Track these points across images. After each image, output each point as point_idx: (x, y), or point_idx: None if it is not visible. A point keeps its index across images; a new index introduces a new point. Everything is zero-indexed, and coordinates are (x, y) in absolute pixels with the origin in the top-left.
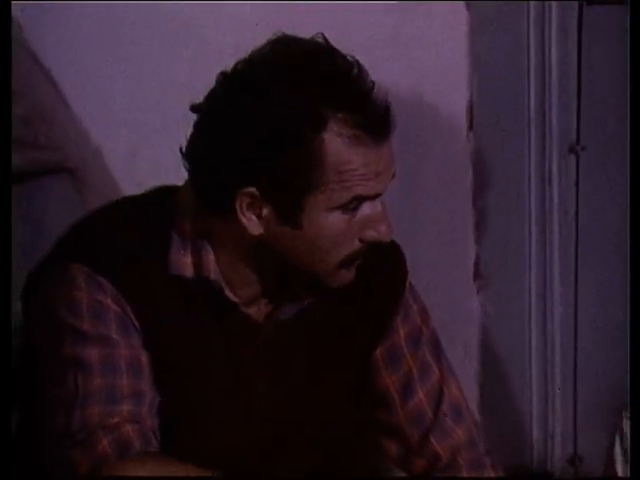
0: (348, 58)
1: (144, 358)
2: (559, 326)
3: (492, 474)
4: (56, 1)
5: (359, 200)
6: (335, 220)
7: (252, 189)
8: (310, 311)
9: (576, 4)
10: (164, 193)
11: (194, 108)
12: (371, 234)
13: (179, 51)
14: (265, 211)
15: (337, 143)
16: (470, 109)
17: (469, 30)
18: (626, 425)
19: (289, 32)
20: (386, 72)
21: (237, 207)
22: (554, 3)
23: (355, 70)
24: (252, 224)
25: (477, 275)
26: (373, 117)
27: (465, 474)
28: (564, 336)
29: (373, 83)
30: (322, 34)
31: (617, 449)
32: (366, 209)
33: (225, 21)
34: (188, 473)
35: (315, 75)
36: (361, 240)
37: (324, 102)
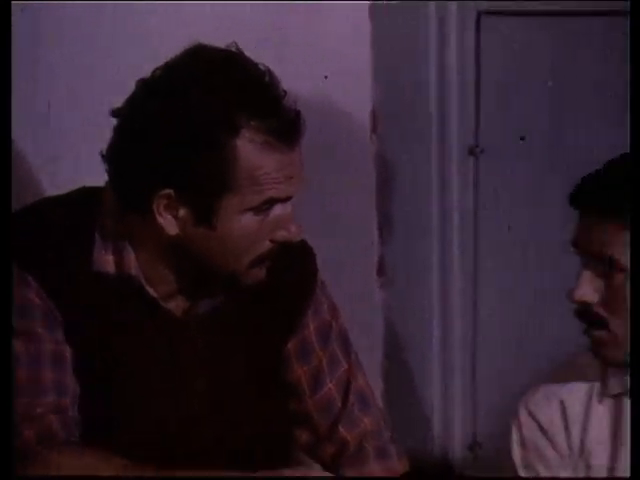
0: (260, 67)
1: (67, 352)
2: (459, 320)
3: (396, 461)
4: (56, 1)
5: (271, 202)
6: (248, 221)
7: (169, 191)
8: (225, 307)
9: (475, 12)
10: (87, 194)
11: (114, 113)
12: (282, 234)
13: (103, 54)
14: (181, 212)
15: (250, 148)
16: (374, 113)
17: (372, 36)
18: (522, 414)
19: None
20: (292, 77)
21: (155, 208)
22: (453, 10)
23: (267, 78)
24: (169, 224)
25: (381, 272)
26: (284, 124)
27: (371, 461)
28: (464, 329)
29: (284, 91)
30: (235, 43)
31: (514, 436)
32: (277, 211)
33: (145, 22)
34: (107, 462)
35: (229, 83)
36: (272, 240)
37: (237, 109)
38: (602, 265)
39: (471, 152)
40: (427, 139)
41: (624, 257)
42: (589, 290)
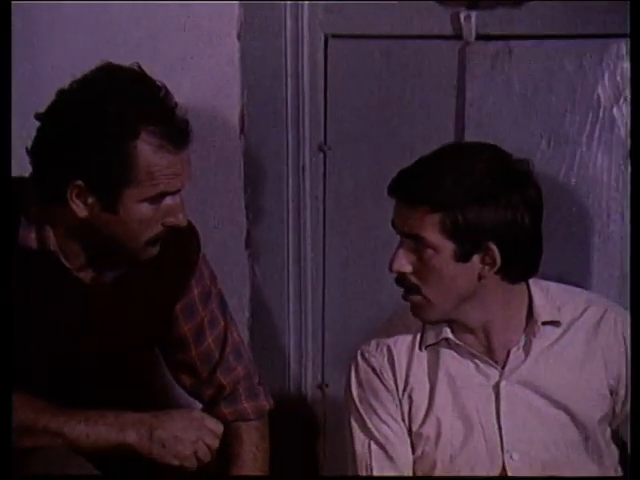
0: (158, 83)
1: None
2: (310, 283)
3: (264, 400)
4: (54, 1)
5: (163, 194)
6: (144, 209)
7: (80, 182)
8: (126, 276)
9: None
10: (15, 183)
11: (37, 116)
12: (171, 220)
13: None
14: (90, 200)
15: (147, 149)
16: (242, 116)
17: (240, 52)
18: (359, 359)
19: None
20: (170, 81)
21: (68, 196)
22: (306, 33)
23: (162, 93)
24: (79, 209)
25: (248, 245)
26: (175, 130)
27: (243, 400)
28: (315, 291)
29: (176, 103)
30: (137, 64)
31: (352, 377)
32: (168, 201)
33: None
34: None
35: (131, 95)
36: (164, 224)
37: (138, 117)
38: (414, 242)
39: (320, 149)
40: (284, 138)
41: (431, 235)
42: (404, 262)
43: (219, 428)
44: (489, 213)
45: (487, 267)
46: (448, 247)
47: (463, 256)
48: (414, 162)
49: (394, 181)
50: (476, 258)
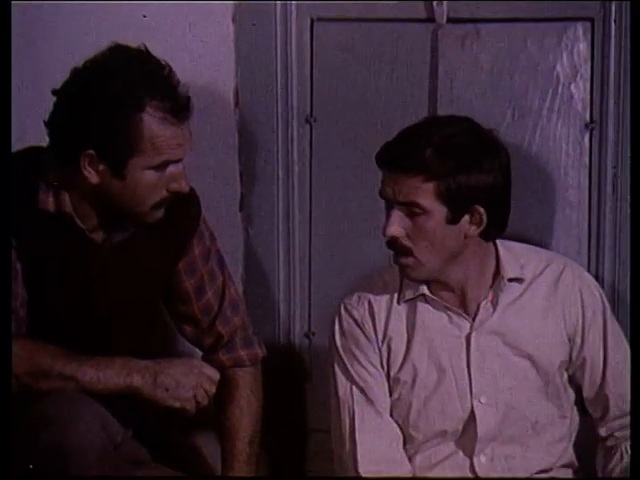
0: (162, 62)
1: (19, 268)
2: (298, 242)
3: (258, 348)
4: (54, 1)
5: (166, 163)
6: (149, 176)
7: (91, 151)
8: (134, 237)
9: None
10: (34, 152)
11: (54, 92)
12: (174, 186)
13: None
14: (101, 167)
15: (151, 122)
16: (236, 91)
17: (234, 34)
18: (342, 311)
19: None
20: (172, 60)
21: (81, 163)
22: (294, 15)
23: (166, 70)
24: (92, 176)
25: (242, 207)
26: (177, 105)
27: (239, 349)
28: (302, 249)
29: (178, 80)
30: (144, 44)
31: (336, 327)
32: (172, 169)
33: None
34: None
35: (138, 73)
36: (168, 190)
37: (143, 92)
38: (406, 209)
39: (307, 121)
40: (274, 111)
41: (426, 202)
42: (397, 228)
43: (216, 375)
44: (476, 178)
45: (474, 227)
46: (442, 211)
47: (454, 219)
48: (399, 134)
49: (384, 153)
50: (465, 220)
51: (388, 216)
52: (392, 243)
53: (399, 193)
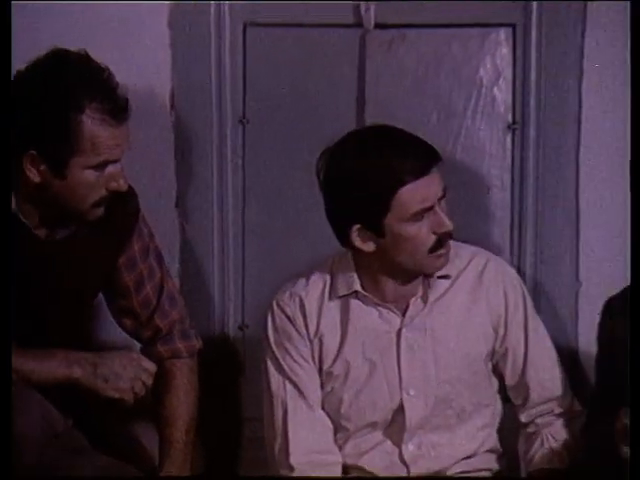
0: (101, 66)
1: None
2: (232, 236)
3: (195, 340)
4: (54, 1)
5: (105, 163)
6: (89, 175)
7: (33, 152)
8: (76, 234)
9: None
10: None
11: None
12: (113, 185)
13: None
14: (42, 167)
15: (90, 123)
16: (172, 93)
17: (171, 37)
18: (274, 307)
19: None
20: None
21: (24, 163)
22: (227, 20)
23: (106, 74)
24: (33, 175)
25: (178, 204)
26: (116, 107)
27: (178, 341)
28: (236, 244)
29: (117, 83)
30: (84, 49)
31: (269, 323)
32: (110, 168)
33: None
34: None
35: (78, 76)
36: (107, 189)
37: (83, 94)
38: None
39: (240, 122)
40: (209, 112)
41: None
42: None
43: (153, 367)
44: None
45: None
46: None
47: None
48: (408, 143)
49: (423, 162)
50: None
51: (435, 213)
52: (445, 238)
53: (439, 189)
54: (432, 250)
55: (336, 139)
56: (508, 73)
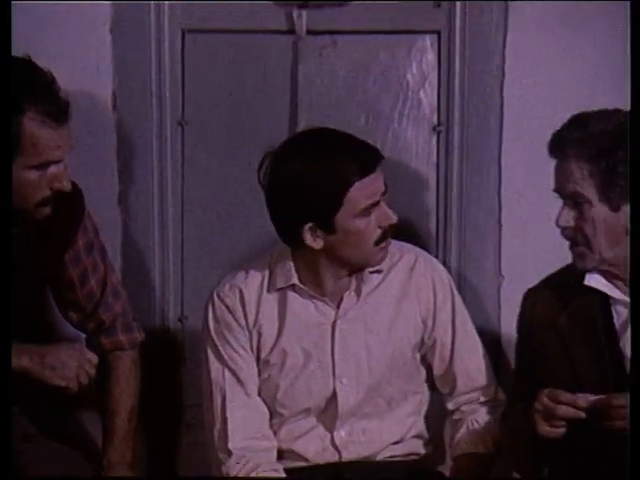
0: (45, 70)
1: None
2: (172, 232)
3: (137, 333)
4: (54, 1)
5: (47, 163)
6: (31, 175)
7: None
8: (23, 232)
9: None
10: None
11: None
12: (57, 185)
13: None
14: None
15: (32, 125)
16: (114, 95)
17: (112, 44)
18: (215, 298)
19: None
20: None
21: None
22: (166, 27)
23: (48, 78)
24: None
25: (120, 201)
26: (57, 109)
27: (120, 334)
28: (175, 239)
29: (59, 87)
30: (28, 54)
31: (209, 314)
32: (53, 169)
33: None
34: None
35: (22, 81)
36: (51, 189)
37: (25, 97)
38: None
39: (179, 124)
40: (149, 114)
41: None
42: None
43: (95, 358)
44: None
45: None
46: None
47: None
48: (354, 143)
49: (370, 163)
50: None
51: (380, 207)
52: (389, 230)
53: (382, 185)
54: (377, 243)
55: (273, 141)
56: (433, 77)
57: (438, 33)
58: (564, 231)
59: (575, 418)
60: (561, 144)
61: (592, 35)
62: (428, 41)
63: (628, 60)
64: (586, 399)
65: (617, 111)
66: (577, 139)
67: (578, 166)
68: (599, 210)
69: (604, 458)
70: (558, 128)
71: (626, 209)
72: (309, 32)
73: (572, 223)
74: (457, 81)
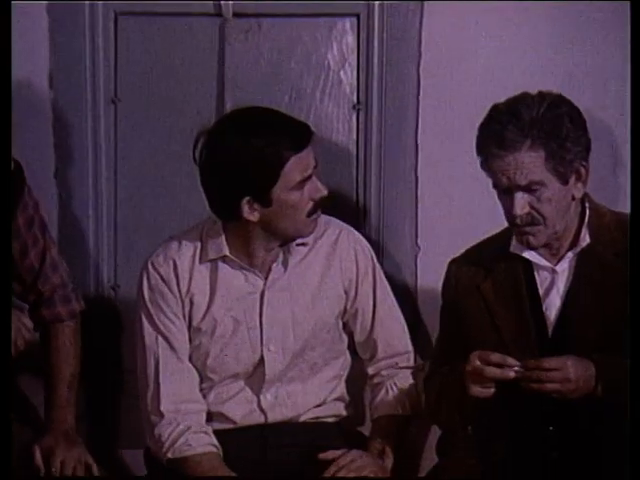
0: None
1: None
2: (106, 204)
3: (76, 303)
4: (54, 1)
5: None
6: None
7: None
8: None
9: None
10: None
11: None
12: None
13: None
14: None
15: None
16: (50, 74)
17: (49, 31)
18: (149, 268)
19: None
20: None
21: None
22: (100, 3)
23: None
24: None
25: (57, 175)
26: None
27: (59, 306)
28: (109, 211)
29: None
30: None
31: (144, 282)
32: None
33: None
34: None
35: None
36: None
37: None
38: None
39: (112, 101)
40: (83, 92)
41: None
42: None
43: (30, 324)
44: None
45: None
46: None
47: None
48: (288, 120)
49: (303, 138)
50: None
51: (313, 181)
52: (320, 202)
53: (313, 159)
54: (309, 214)
55: (202, 118)
56: (353, 59)
57: (357, 16)
58: (519, 217)
59: (504, 379)
60: (502, 140)
61: (506, 14)
62: (348, 24)
63: (540, 36)
64: (516, 361)
65: (526, 94)
66: (519, 131)
67: (529, 155)
68: (553, 188)
69: (530, 417)
70: (485, 124)
71: (572, 179)
72: (235, 15)
73: (528, 209)
74: (376, 61)
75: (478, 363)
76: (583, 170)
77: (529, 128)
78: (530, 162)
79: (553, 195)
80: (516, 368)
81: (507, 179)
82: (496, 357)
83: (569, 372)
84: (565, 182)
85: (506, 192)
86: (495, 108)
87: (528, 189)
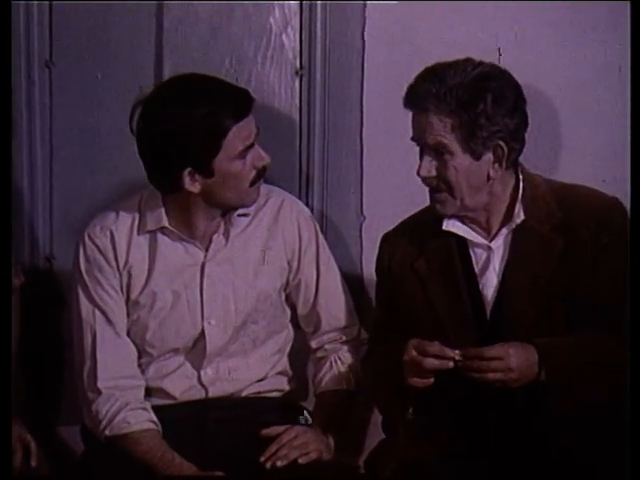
0: None
1: None
2: (41, 173)
3: (16, 278)
4: (55, 1)
5: None
6: None
7: None
8: None
9: None
10: None
11: None
12: None
13: None
14: None
15: None
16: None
17: None
18: (86, 238)
19: None
20: None
21: None
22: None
23: None
24: None
25: None
26: None
27: None
28: (44, 180)
29: None
30: None
31: (80, 253)
32: None
33: None
34: None
35: None
36: None
37: None
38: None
39: (47, 65)
40: (17, 56)
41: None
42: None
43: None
44: None
45: None
46: None
47: None
48: (228, 87)
49: (244, 106)
50: None
51: (255, 149)
52: (262, 171)
53: (255, 128)
54: (252, 183)
55: (140, 83)
56: (295, 22)
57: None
58: (425, 180)
59: (443, 369)
60: (418, 98)
61: None
62: None
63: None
64: (454, 351)
65: (467, 60)
66: (435, 93)
67: (438, 119)
68: (461, 159)
69: (470, 399)
70: (412, 81)
71: (487, 157)
72: None
73: (434, 173)
74: (319, 25)
75: (415, 354)
76: (500, 151)
77: (445, 93)
78: (438, 125)
79: (460, 165)
80: (456, 358)
81: (418, 137)
82: (434, 348)
83: (511, 361)
84: (477, 158)
85: (420, 153)
86: (427, 68)
87: (436, 151)
